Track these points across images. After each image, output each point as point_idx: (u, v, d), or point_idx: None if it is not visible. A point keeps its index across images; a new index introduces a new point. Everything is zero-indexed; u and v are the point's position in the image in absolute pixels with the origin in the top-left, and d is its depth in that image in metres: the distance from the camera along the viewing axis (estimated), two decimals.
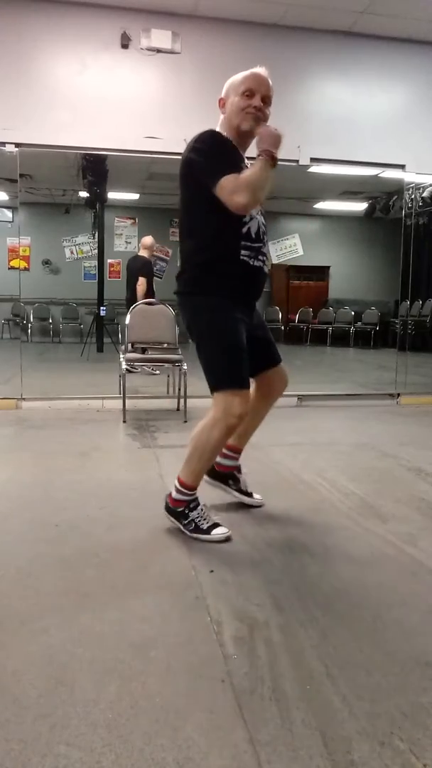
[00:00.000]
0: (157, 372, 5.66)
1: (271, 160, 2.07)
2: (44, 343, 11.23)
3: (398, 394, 5.67)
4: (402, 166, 5.63)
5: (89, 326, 9.40)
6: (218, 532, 2.25)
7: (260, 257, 2.25)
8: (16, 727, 1.25)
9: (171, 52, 5.04)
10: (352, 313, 11.38)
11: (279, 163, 2.11)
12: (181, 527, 2.27)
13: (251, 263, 2.22)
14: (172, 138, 4.55)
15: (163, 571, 1.99)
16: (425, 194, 6.77)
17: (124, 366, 4.61)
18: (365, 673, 1.45)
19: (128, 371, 4.72)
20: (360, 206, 10.01)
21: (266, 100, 2.19)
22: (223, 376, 2.18)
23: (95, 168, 7.66)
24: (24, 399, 4.97)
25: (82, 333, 10.60)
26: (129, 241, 11.30)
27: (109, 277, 10.36)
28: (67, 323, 11.49)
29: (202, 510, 2.29)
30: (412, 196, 6.20)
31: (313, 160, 5.33)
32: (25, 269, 10.94)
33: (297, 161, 5.21)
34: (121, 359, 4.70)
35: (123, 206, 10.90)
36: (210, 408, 2.20)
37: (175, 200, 2.26)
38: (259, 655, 1.52)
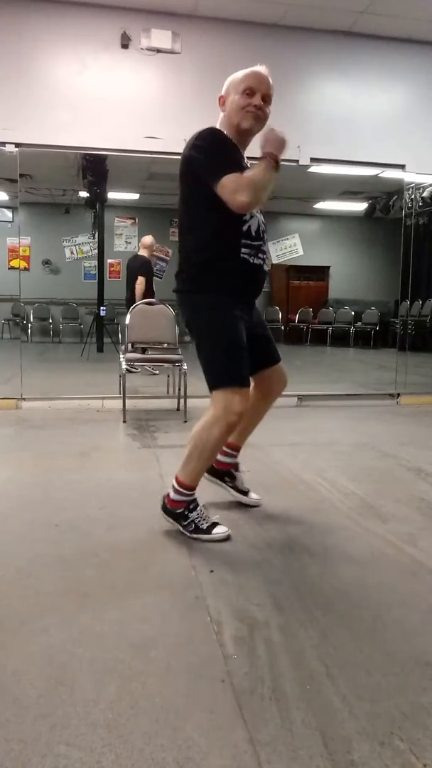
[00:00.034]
0: (157, 372, 5.66)
1: (275, 163, 2.07)
2: (44, 343, 11.23)
3: (398, 394, 5.67)
4: (402, 166, 5.63)
5: (89, 326, 9.40)
6: (218, 531, 2.25)
7: (260, 255, 2.25)
8: (16, 727, 1.25)
9: (171, 52, 5.04)
10: (352, 313, 11.38)
11: (279, 163, 2.11)
12: (181, 528, 2.25)
13: (251, 261, 2.22)
14: (172, 138, 4.54)
15: (163, 571, 1.99)
16: (425, 194, 6.76)
17: (124, 366, 4.61)
18: (365, 673, 1.45)
19: (128, 371, 4.72)
20: (360, 206, 10.01)
21: (266, 99, 2.19)
22: (223, 374, 2.17)
23: (95, 168, 7.66)
24: (24, 399, 4.97)
25: (82, 333, 10.60)
26: (129, 241, 11.30)
27: (109, 277, 10.36)
28: (67, 323, 11.49)
29: (201, 510, 2.28)
30: (412, 196, 6.20)
31: (313, 160, 5.33)
32: (25, 269, 10.94)
33: (297, 161, 5.21)
34: (121, 359, 4.70)
35: (123, 206, 10.90)
36: (209, 407, 2.19)
37: (175, 200, 2.26)
38: (259, 655, 1.52)
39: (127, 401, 4.56)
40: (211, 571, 1.98)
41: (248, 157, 2.28)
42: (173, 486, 2.27)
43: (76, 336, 11.12)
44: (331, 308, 11.87)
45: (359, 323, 11.27)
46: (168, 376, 5.37)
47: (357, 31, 5.29)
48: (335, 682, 1.41)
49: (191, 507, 2.26)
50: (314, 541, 2.26)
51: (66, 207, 10.73)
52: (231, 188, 2.03)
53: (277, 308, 11.68)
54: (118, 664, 1.47)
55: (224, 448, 2.49)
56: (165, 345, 4.91)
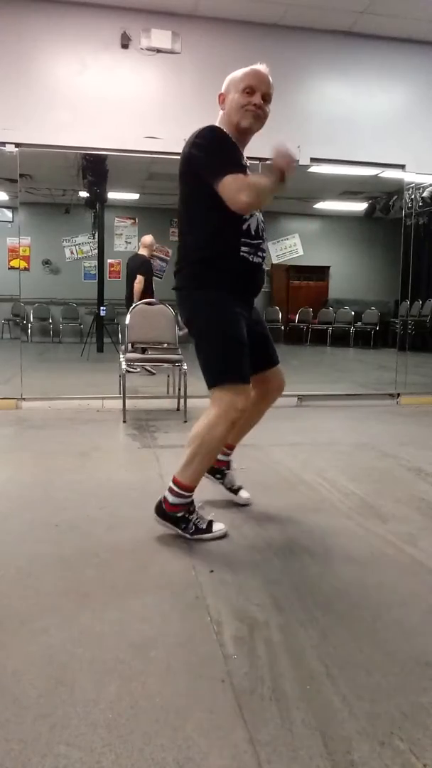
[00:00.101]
0: (155, 372, 5.66)
1: (282, 177, 2.06)
2: (44, 343, 11.23)
3: (398, 394, 5.67)
4: (402, 166, 5.63)
5: (89, 326, 9.40)
6: (218, 527, 2.26)
7: (260, 254, 2.25)
8: (16, 727, 1.25)
9: (171, 52, 5.04)
10: (352, 313, 11.39)
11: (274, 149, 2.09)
12: (180, 532, 2.22)
13: (251, 260, 2.21)
14: (172, 138, 4.54)
15: (163, 571, 1.99)
16: (425, 194, 6.77)
17: (124, 366, 4.61)
18: (365, 673, 1.45)
19: (128, 371, 4.72)
20: (360, 206, 10.02)
21: (266, 98, 2.19)
22: (224, 370, 2.15)
23: (95, 168, 7.67)
24: (24, 399, 4.97)
25: (82, 333, 10.60)
26: (129, 241, 11.31)
27: (109, 277, 10.37)
28: (67, 323, 11.49)
29: (199, 510, 2.28)
30: (412, 196, 6.20)
31: (313, 160, 5.34)
32: (25, 269, 10.94)
33: (297, 161, 5.20)
34: (121, 359, 4.70)
35: (123, 206, 10.90)
36: (209, 406, 2.17)
37: (175, 200, 2.26)
38: (259, 655, 1.52)
39: (127, 401, 4.56)
40: (211, 571, 1.98)
41: (248, 157, 2.28)
42: (172, 489, 2.21)
43: (76, 336, 11.13)
44: (331, 308, 11.88)
45: (359, 323, 11.27)
46: (168, 376, 5.37)
47: (357, 31, 5.29)
48: (335, 682, 1.41)
49: (191, 509, 2.23)
50: (314, 541, 2.26)
51: (66, 207, 10.73)
52: (232, 188, 2.02)
53: (277, 308, 11.68)
54: (118, 664, 1.47)
55: None
56: (165, 345, 4.91)
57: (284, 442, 3.81)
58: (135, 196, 10.41)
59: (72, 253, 11.66)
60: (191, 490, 2.22)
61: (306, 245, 11.26)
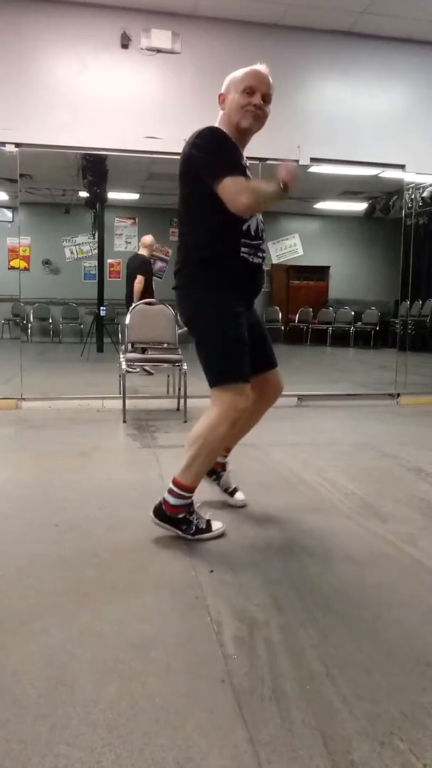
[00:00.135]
0: (153, 372, 5.66)
1: (284, 190, 2.05)
2: (44, 343, 11.23)
3: (398, 394, 5.67)
4: (402, 166, 5.64)
5: (89, 326, 9.40)
6: (216, 526, 2.26)
7: (260, 254, 2.25)
8: (16, 727, 1.25)
9: (171, 52, 5.04)
10: (352, 313, 11.39)
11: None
12: (180, 533, 2.21)
13: (251, 260, 2.22)
14: (172, 138, 4.54)
15: (163, 571, 1.99)
16: (425, 194, 6.77)
17: (124, 366, 4.61)
18: (365, 673, 1.45)
19: (128, 371, 4.72)
20: (360, 206, 10.02)
21: (266, 98, 2.19)
22: (225, 370, 2.15)
23: (95, 168, 7.67)
24: (24, 399, 4.97)
25: (82, 333, 10.60)
26: (129, 241, 11.31)
27: (109, 277, 10.37)
28: (67, 323, 11.49)
29: (198, 510, 2.28)
30: (412, 196, 6.20)
31: (313, 160, 5.34)
32: (25, 269, 10.94)
33: (297, 161, 5.20)
34: (121, 359, 4.70)
35: (123, 206, 10.90)
36: (210, 406, 2.17)
37: (175, 200, 2.26)
38: (259, 655, 1.52)
39: (127, 401, 4.56)
40: (211, 571, 1.98)
41: (247, 157, 2.28)
42: (172, 491, 2.19)
43: (76, 336, 11.13)
44: (331, 308, 11.88)
45: (359, 323, 11.27)
46: (168, 376, 5.37)
47: (357, 31, 5.29)
48: (335, 682, 1.41)
49: (191, 509, 2.23)
50: (314, 541, 2.26)
51: (66, 207, 10.73)
52: (232, 190, 2.03)
53: (277, 308, 11.69)
54: (118, 664, 1.47)
55: None
56: (165, 345, 4.91)
57: (284, 442, 3.81)
58: (135, 196, 10.41)
59: (72, 253, 11.67)
60: (192, 490, 2.21)
61: (306, 245, 11.25)
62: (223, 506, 2.59)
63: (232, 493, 2.62)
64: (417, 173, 5.72)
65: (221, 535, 2.25)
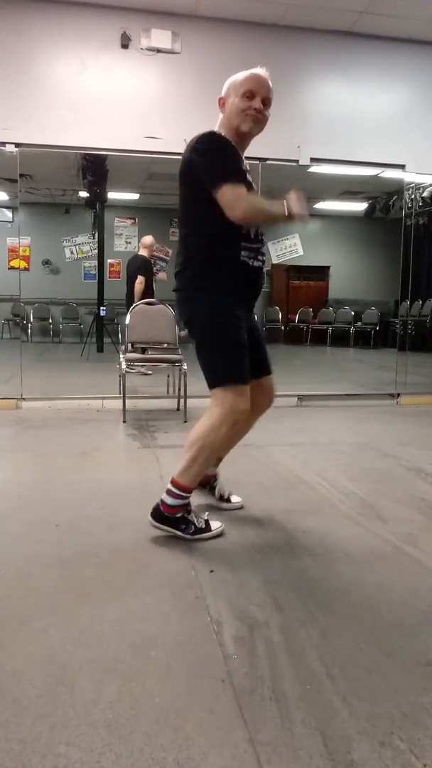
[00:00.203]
0: (150, 372, 5.66)
1: (288, 217, 2.07)
2: (44, 343, 11.23)
3: (398, 394, 5.67)
4: (402, 166, 5.64)
5: (89, 326, 9.40)
6: (215, 525, 2.26)
7: (260, 257, 2.25)
8: (16, 727, 1.25)
9: (171, 52, 5.04)
10: (352, 313, 11.38)
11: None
12: (179, 533, 2.21)
13: (251, 263, 2.22)
14: (172, 138, 4.55)
15: (163, 571, 1.99)
16: (425, 194, 6.77)
17: (124, 366, 4.61)
18: (365, 673, 1.45)
19: (127, 371, 4.72)
20: (360, 206, 10.01)
21: (266, 102, 2.19)
22: (226, 371, 2.16)
23: (95, 168, 7.67)
24: (24, 399, 4.97)
25: (82, 333, 10.60)
26: (129, 241, 11.30)
27: (109, 277, 10.36)
28: (67, 323, 11.49)
29: (196, 510, 2.28)
30: (412, 196, 6.20)
31: (313, 160, 5.34)
32: (25, 269, 10.93)
33: (297, 161, 5.22)
34: (121, 359, 4.70)
35: (123, 206, 10.90)
36: (210, 407, 2.18)
37: (175, 200, 2.26)
38: (259, 655, 1.52)
39: (127, 401, 4.56)
40: (211, 571, 1.98)
41: (247, 157, 2.28)
42: (171, 491, 2.19)
43: (76, 336, 11.13)
44: (331, 308, 11.87)
45: (359, 323, 11.27)
46: (168, 376, 5.37)
47: (357, 31, 5.29)
48: (335, 682, 1.41)
49: (189, 509, 2.23)
50: (314, 541, 2.26)
51: (66, 207, 10.74)
52: (229, 198, 2.04)
53: (277, 308, 11.67)
54: (118, 664, 1.47)
55: None
56: (165, 345, 4.91)
57: (284, 442, 3.81)
58: (135, 196, 10.41)
59: (72, 253, 11.66)
60: (190, 491, 2.22)
61: (306, 245, 11.22)
62: (223, 506, 2.59)
63: (227, 500, 2.60)
64: (417, 173, 5.72)
65: (220, 535, 2.26)
